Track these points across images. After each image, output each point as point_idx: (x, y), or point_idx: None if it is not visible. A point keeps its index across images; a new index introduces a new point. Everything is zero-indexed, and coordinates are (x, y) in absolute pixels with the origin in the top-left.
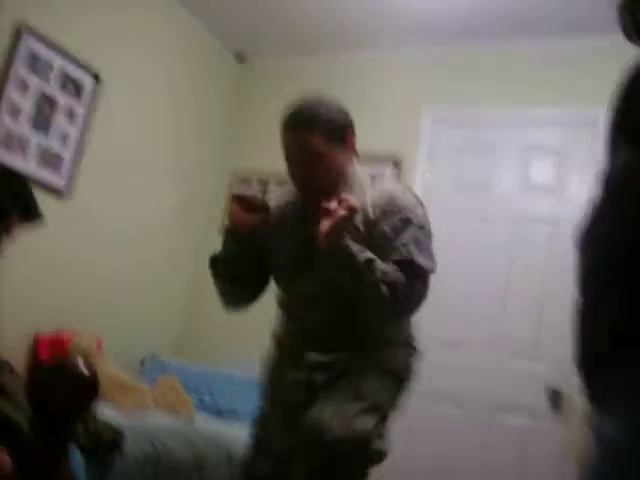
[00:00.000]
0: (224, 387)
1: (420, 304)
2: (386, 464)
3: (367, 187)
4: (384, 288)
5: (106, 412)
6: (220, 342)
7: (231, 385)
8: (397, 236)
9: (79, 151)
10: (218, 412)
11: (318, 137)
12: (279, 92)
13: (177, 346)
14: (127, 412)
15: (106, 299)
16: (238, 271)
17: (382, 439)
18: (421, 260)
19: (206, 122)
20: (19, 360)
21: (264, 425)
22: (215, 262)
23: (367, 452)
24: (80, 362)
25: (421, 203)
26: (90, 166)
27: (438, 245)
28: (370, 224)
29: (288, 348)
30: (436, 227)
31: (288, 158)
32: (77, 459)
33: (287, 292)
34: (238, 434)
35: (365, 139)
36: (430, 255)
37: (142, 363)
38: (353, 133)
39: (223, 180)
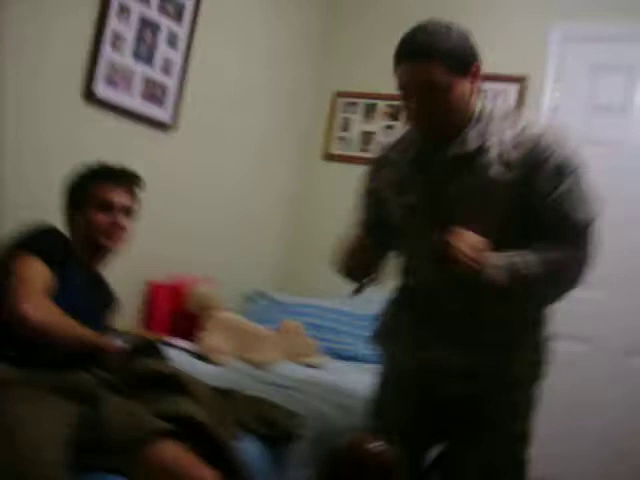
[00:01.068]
0: (342, 325)
1: (590, 262)
2: None
3: (502, 124)
4: (547, 282)
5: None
6: (325, 277)
7: (349, 323)
8: (550, 191)
9: (183, 79)
10: (344, 357)
11: (438, 67)
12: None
13: (281, 282)
14: (262, 367)
15: (210, 235)
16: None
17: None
18: (581, 216)
19: (302, 39)
20: (136, 308)
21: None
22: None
23: None
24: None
25: (566, 139)
26: (194, 95)
27: None
28: (515, 169)
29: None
30: None
31: (403, 92)
32: (252, 447)
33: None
34: None
35: (488, 57)
36: (588, 200)
37: (250, 299)
38: (479, 62)
39: (323, 102)
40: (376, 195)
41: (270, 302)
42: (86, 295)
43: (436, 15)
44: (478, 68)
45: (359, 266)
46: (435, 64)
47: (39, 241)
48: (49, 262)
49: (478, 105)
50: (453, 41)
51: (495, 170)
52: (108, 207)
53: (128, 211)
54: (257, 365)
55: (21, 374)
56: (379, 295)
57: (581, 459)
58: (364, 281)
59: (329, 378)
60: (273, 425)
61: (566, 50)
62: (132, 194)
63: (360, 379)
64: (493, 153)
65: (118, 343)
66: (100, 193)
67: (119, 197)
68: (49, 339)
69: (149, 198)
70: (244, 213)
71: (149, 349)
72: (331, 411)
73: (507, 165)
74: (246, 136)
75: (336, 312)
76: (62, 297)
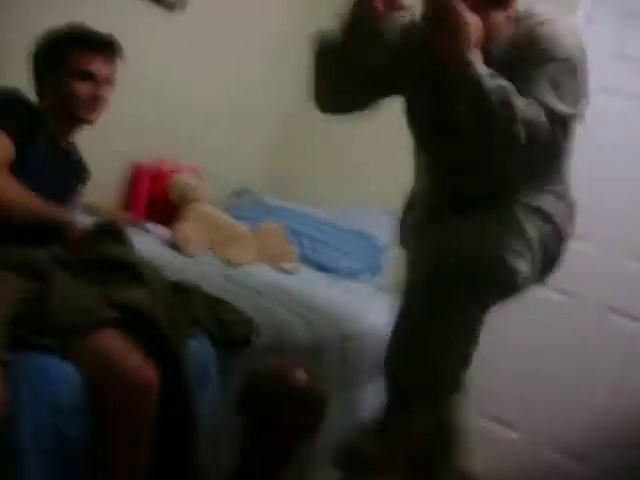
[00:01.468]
0: (325, 236)
1: (560, 157)
2: None
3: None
4: (519, 128)
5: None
6: (322, 182)
7: (333, 235)
8: (530, 75)
9: None
10: (319, 267)
11: None
12: None
13: (270, 184)
14: (233, 265)
15: (204, 118)
16: (360, 61)
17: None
18: (558, 105)
19: None
20: (118, 189)
21: None
22: (327, 44)
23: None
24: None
25: (573, 30)
26: None
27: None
28: (506, 55)
29: None
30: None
31: None
32: (207, 348)
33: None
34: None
35: None
36: (573, 96)
37: (235, 195)
38: None
39: None
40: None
41: (255, 201)
42: (52, 168)
43: None
44: None
45: None
46: None
47: (1, 109)
48: (10, 132)
49: None
50: None
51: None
52: (89, 77)
53: (109, 82)
54: (229, 263)
55: None
56: (366, 211)
57: (538, 404)
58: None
59: (298, 287)
60: (227, 328)
61: None
62: (113, 63)
63: (330, 293)
64: None
65: (80, 221)
66: (80, 61)
67: (100, 67)
68: (3, 213)
69: (146, 71)
70: (241, 99)
71: (113, 232)
72: (291, 321)
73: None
74: (256, 23)
75: (321, 222)
76: (24, 169)
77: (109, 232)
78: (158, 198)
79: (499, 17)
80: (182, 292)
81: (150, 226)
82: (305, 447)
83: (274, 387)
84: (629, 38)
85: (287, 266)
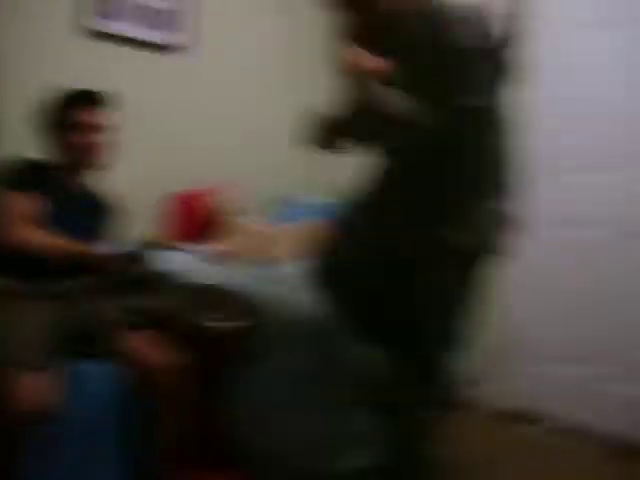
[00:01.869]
0: None
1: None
2: None
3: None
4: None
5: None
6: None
7: None
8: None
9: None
10: None
11: None
12: None
13: (311, 185)
14: (270, 264)
15: (236, 148)
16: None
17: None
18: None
19: None
20: (158, 216)
21: None
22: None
23: None
24: None
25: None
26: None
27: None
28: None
29: None
30: None
31: None
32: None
33: None
34: None
35: None
36: (467, 85)
37: (278, 203)
38: None
39: None
40: None
41: (298, 205)
42: (72, 211)
43: None
44: None
45: None
46: None
47: (19, 177)
48: (29, 193)
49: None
50: None
51: None
52: (83, 128)
53: (101, 128)
54: (265, 263)
55: (17, 286)
56: None
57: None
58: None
59: None
60: (233, 312)
61: None
62: (103, 112)
63: None
64: None
65: (104, 250)
66: (75, 115)
67: (91, 117)
68: (35, 254)
69: (175, 117)
70: (267, 121)
71: (134, 255)
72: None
73: None
74: (265, 47)
75: None
76: (51, 218)
77: (131, 256)
78: (198, 219)
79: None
80: (199, 292)
81: (189, 246)
82: None
83: None
84: None
85: None
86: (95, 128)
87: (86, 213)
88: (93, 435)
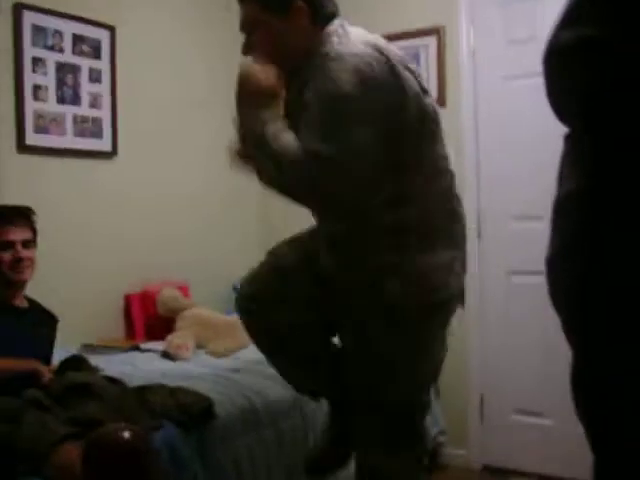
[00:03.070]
0: None
1: (313, 193)
2: None
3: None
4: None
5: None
6: None
7: None
8: (306, 113)
9: (114, 108)
10: None
11: (251, 5)
12: None
13: None
14: (220, 356)
15: (186, 247)
16: None
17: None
18: (317, 146)
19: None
20: (115, 319)
21: None
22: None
23: None
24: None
25: (371, 62)
26: (127, 121)
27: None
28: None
29: None
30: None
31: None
32: (172, 433)
33: None
34: None
35: (403, 15)
36: (340, 135)
37: (229, 300)
38: (301, 2)
39: None
40: None
41: None
42: (12, 329)
43: None
44: (300, 8)
45: None
46: (248, 1)
47: None
48: None
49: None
50: None
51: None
52: (8, 245)
53: (27, 243)
54: (215, 355)
55: None
56: None
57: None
58: None
59: None
60: (185, 410)
61: None
62: (27, 227)
63: None
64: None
65: (43, 365)
66: (2, 234)
67: (14, 234)
68: None
69: (118, 220)
70: (208, 214)
71: (76, 362)
72: (269, 386)
73: None
74: (194, 142)
75: None
76: None
77: (72, 364)
78: (151, 317)
79: (286, 26)
80: (143, 393)
81: (146, 344)
82: None
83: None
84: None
85: None
86: (23, 243)
87: (29, 329)
88: None
